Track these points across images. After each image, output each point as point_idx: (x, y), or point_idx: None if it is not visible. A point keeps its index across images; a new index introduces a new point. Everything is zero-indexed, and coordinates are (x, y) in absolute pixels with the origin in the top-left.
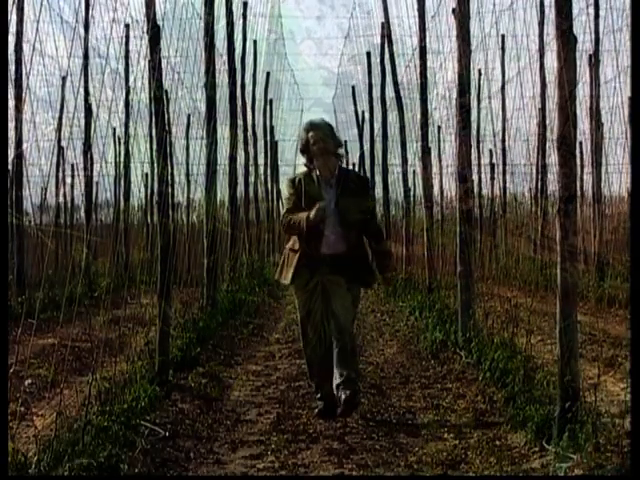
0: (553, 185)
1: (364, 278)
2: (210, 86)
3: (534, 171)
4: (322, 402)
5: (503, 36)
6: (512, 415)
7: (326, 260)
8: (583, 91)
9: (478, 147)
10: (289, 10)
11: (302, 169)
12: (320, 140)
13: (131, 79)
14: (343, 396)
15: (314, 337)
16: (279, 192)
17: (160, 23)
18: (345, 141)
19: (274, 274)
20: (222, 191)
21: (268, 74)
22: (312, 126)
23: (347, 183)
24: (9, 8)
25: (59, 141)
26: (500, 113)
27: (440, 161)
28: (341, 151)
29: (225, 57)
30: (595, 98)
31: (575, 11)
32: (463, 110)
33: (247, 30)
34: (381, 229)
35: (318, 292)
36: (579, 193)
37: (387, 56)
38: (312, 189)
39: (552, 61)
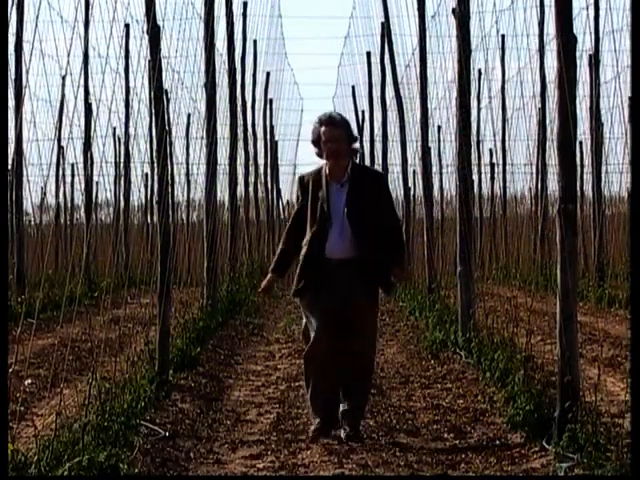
0: (553, 185)
1: (380, 284)
2: (210, 86)
3: (534, 171)
4: (319, 420)
5: (503, 36)
6: (512, 415)
7: (336, 266)
8: (583, 91)
9: (478, 147)
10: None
11: (305, 168)
12: (333, 140)
13: (131, 79)
14: (346, 429)
15: (326, 354)
16: (279, 192)
17: (160, 23)
18: None
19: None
20: (222, 191)
21: (268, 74)
22: (326, 121)
23: (360, 182)
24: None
25: (59, 141)
26: (500, 113)
27: (440, 161)
28: (356, 146)
29: (225, 57)
30: (595, 98)
31: (575, 11)
32: (463, 110)
33: (247, 30)
34: (399, 235)
35: (329, 304)
36: (579, 193)
37: (387, 56)
38: (319, 190)
39: (552, 61)
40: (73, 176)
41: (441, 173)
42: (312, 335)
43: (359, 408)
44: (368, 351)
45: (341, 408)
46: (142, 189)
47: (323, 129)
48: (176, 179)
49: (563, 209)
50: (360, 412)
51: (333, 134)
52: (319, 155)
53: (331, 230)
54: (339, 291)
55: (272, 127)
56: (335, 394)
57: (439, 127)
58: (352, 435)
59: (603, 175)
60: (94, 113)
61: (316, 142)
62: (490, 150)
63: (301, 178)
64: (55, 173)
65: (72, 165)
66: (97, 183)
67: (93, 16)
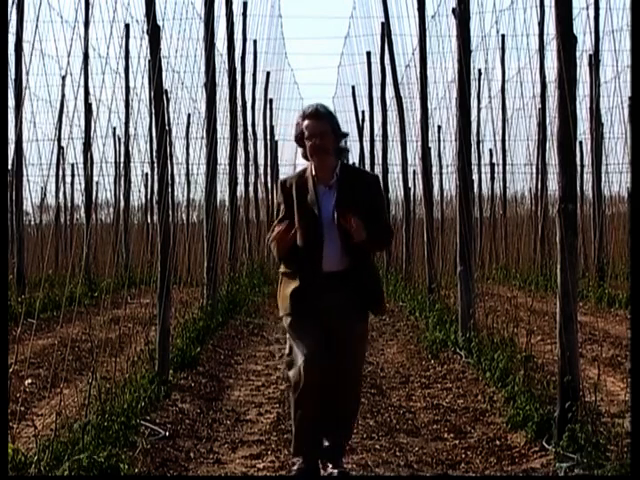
0: (553, 185)
1: (371, 304)
2: (210, 86)
3: (534, 171)
4: (303, 459)
5: (503, 36)
6: (512, 415)
7: (325, 281)
8: (583, 91)
9: (478, 147)
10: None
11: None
12: (317, 135)
13: (131, 79)
14: (331, 470)
15: (316, 380)
16: None
17: (160, 23)
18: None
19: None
20: (222, 191)
21: (268, 74)
22: (309, 114)
23: (350, 184)
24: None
25: (59, 141)
26: (500, 113)
27: (440, 161)
28: (344, 145)
29: (225, 57)
30: (595, 98)
31: (575, 11)
32: (463, 110)
33: (247, 30)
34: (388, 232)
35: (319, 324)
36: (579, 193)
37: (387, 56)
38: (306, 194)
39: (552, 61)
40: (73, 176)
41: (441, 173)
42: (300, 362)
43: (340, 446)
44: (355, 374)
45: (325, 443)
46: (142, 189)
47: (306, 123)
48: (176, 179)
49: (563, 209)
50: (341, 450)
51: (316, 128)
52: (305, 156)
53: (325, 240)
54: (330, 310)
55: (272, 127)
56: (320, 428)
57: (439, 127)
58: (338, 476)
59: (603, 175)
60: (94, 113)
61: (299, 139)
62: (490, 150)
63: (283, 182)
64: (55, 173)
65: (72, 165)
66: (97, 183)
67: (93, 16)
